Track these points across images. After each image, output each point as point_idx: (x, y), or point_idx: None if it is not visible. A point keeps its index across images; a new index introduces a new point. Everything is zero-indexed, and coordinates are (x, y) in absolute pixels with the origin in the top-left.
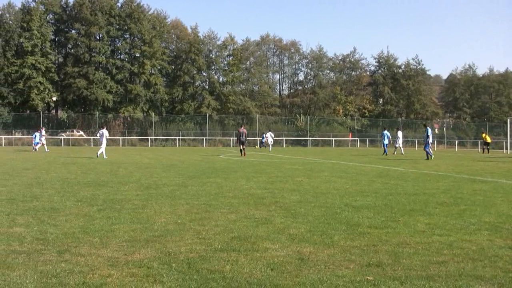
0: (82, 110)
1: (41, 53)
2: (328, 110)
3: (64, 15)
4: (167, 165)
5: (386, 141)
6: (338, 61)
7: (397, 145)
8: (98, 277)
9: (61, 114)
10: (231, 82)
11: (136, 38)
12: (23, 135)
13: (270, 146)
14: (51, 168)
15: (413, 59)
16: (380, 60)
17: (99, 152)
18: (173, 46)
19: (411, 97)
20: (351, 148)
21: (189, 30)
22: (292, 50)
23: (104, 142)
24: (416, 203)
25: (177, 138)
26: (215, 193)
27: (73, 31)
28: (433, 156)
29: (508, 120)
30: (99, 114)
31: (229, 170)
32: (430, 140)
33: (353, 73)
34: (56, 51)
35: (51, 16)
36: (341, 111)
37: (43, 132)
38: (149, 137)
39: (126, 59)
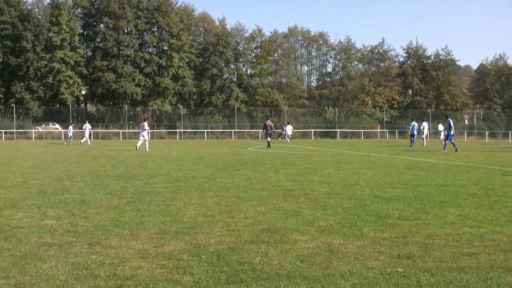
0: (111, 103)
1: (70, 47)
2: (357, 101)
3: (92, 9)
4: (196, 158)
5: (414, 132)
6: (366, 52)
7: (423, 136)
8: (128, 269)
9: (90, 107)
10: (259, 74)
11: (164, 31)
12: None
13: (288, 138)
14: (81, 161)
15: (442, 49)
16: (409, 51)
17: (138, 144)
18: (201, 39)
19: (440, 88)
20: (380, 139)
21: (217, 23)
22: (320, 42)
23: (145, 134)
24: (446, 194)
25: (205, 130)
26: (244, 185)
27: (101, 25)
28: (446, 149)
29: None
30: (127, 108)
31: (257, 162)
32: (452, 132)
33: (381, 64)
34: (85, 45)
35: (79, 10)
36: (369, 102)
37: (88, 125)
38: (177, 130)
39: (154, 52)
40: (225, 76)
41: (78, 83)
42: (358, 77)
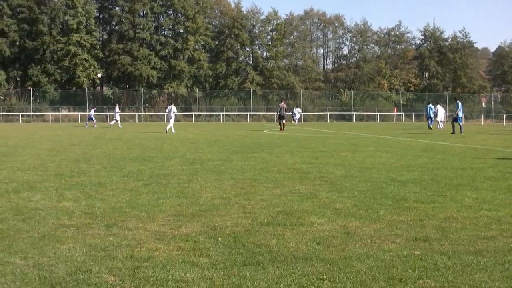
0: (127, 86)
1: (86, 30)
2: (373, 84)
3: None
4: (212, 140)
5: (431, 115)
6: (382, 35)
7: (438, 119)
8: (145, 251)
9: (106, 90)
10: (274, 57)
11: (179, 14)
12: (69, 111)
13: (296, 121)
14: (97, 144)
15: (460, 31)
16: (426, 33)
17: (167, 128)
18: (216, 22)
19: (457, 71)
20: (396, 122)
21: (232, 5)
22: (336, 24)
23: (173, 117)
24: (463, 177)
25: (221, 113)
26: (260, 168)
27: (117, 8)
28: (462, 132)
29: None
30: (143, 90)
31: (273, 145)
32: (461, 114)
33: (398, 47)
34: (101, 28)
35: None
36: (386, 85)
37: (117, 109)
38: (193, 113)
39: (170, 35)
40: (240, 59)
41: (94, 66)
42: (374, 60)
